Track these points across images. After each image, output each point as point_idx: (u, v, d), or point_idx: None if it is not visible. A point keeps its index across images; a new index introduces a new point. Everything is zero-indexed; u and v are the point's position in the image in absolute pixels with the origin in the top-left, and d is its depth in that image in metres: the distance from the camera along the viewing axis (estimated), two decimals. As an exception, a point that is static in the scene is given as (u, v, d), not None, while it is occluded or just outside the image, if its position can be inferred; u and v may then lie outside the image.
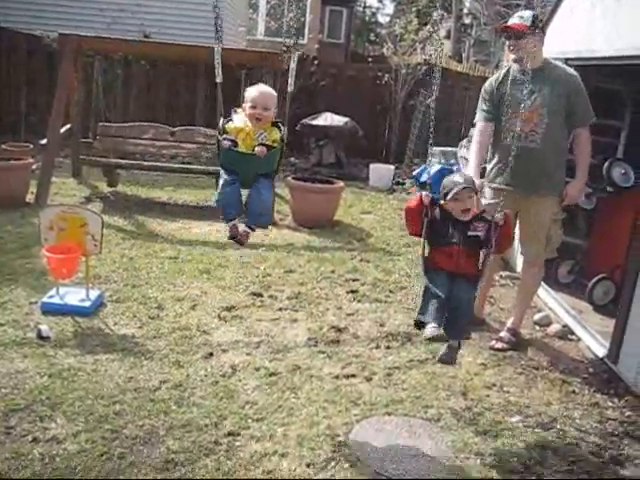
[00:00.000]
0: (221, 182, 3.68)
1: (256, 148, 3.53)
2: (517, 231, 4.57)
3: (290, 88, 3.92)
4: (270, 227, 4.16)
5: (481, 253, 3.37)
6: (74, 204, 6.44)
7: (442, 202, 3.40)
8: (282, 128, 3.72)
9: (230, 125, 3.65)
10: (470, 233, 3.35)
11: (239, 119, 3.65)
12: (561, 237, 4.56)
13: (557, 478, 3.11)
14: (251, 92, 3.66)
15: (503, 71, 4.57)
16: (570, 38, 5.49)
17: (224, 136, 3.61)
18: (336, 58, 17.09)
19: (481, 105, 4.61)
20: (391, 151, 12.12)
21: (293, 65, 3.91)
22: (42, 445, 3.00)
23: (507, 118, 4.35)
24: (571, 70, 4.55)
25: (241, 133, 3.61)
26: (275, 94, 3.73)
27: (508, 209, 4.37)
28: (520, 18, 4.30)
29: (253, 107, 3.58)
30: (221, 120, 3.70)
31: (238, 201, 3.66)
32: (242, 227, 3.65)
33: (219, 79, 3.83)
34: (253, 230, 3.70)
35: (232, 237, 3.71)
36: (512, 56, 4.42)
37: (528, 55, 4.27)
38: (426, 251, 3.43)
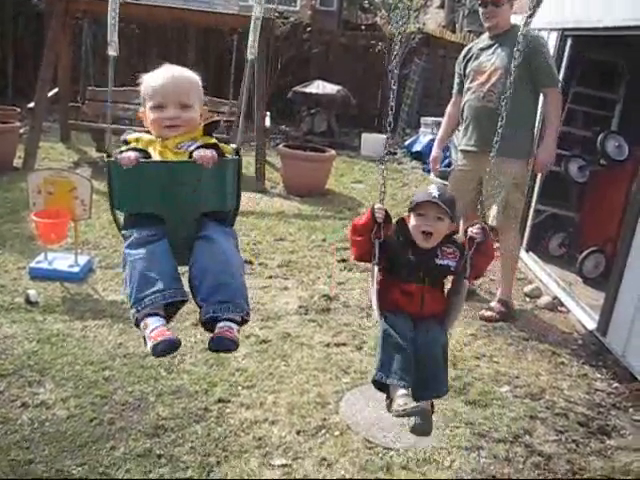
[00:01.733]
0: (127, 243, 2.06)
1: (196, 152, 1.98)
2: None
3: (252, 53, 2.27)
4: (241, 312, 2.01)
5: (452, 284, 2.65)
6: (62, 168, 6.36)
7: (405, 215, 2.61)
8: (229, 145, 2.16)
9: (130, 139, 2.15)
10: (438, 262, 2.57)
11: (142, 135, 2.16)
12: (522, 203, 4.56)
13: (545, 448, 3.13)
14: (152, 81, 2.14)
15: (474, 42, 4.71)
16: (568, 8, 5.43)
17: (121, 149, 2.08)
18: (328, 26, 16.84)
19: (455, 79, 4.74)
20: (383, 120, 12.05)
21: (259, 13, 2.21)
22: (31, 410, 2.99)
23: (470, 81, 4.48)
24: (535, 32, 4.61)
25: (153, 145, 2.08)
26: (197, 79, 2.18)
27: (475, 176, 4.43)
28: None
29: (159, 107, 2.08)
30: (115, 146, 2.16)
31: (170, 271, 1.96)
32: (221, 328, 1.96)
33: (113, 51, 2.31)
34: (231, 321, 1.97)
35: (159, 352, 1.83)
36: (487, 24, 4.44)
37: (503, 21, 4.37)
38: (379, 277, 2.59)
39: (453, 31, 18.40)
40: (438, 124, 9.61)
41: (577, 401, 3.61)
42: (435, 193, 2.53)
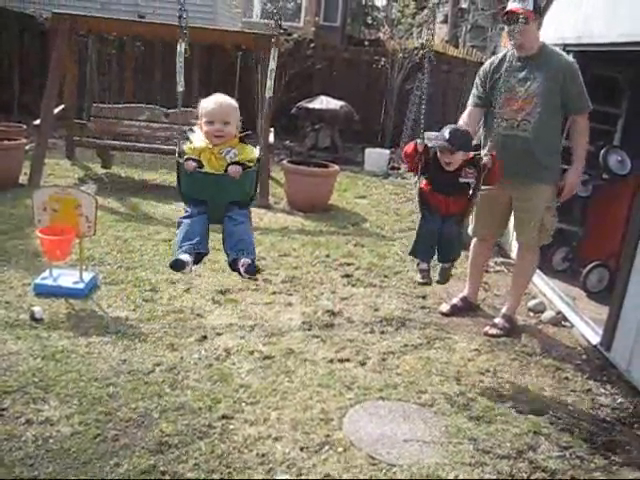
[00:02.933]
0: (183, 216, 3.12)
1: (229, 167, 3.02)
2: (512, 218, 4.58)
3: (269, 93, 3.29)
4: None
5: (470, 193, 3.77)
6: (68, 185, 6.40)
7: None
8: (256, 148, 3.18)
9: (189, 146, 3.10)
10: (461, 180, 3.71)
11: (198, 138, 3.11)
12: (555, 224, 4.52)
13: (549, 464, 3.12)
14: (206, 104, 3.10)
15: (500, 56, 4.49)
16: (569, 24, 5.46)
17: (186, 157, 3.05)
18: (332, 41, 16.95)
19: (474, 90, 4.57)
20: (386, 135, 12.08)
21: (273, 65, 3.23)
22: (35, 427, 2.99)
23: (500, 105, 4.31)
24: (568, 57, 4.50)
25: (204, 153, 3.07)
26: (236, 105, 3.15)
27: (501, 198, 4.41)
28: (522, 2, 4.15)
29: (210, 122, 3.04)
30: (180, 144, 3.15)
31: (203, 235, 3.06)
32: (242, 261, 2.97)
33: (181, 87, 3.20)
34: (248, 266, 2.97)
35: (174, 264, 2.94)
36: (513, 42, 4.26)
37: (529, 40, 4.23)
38: (423, 183, 3.81)
39: (456, 46, 18.48)
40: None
41: (581, 417, 3.60)
42: (447, 136, 3.61)
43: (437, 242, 3.82)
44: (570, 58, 4.50)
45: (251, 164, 3.11)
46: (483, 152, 3.85)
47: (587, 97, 4.30)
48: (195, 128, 3.13)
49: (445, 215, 3.78)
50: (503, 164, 3.83)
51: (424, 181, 3.82)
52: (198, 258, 3.07)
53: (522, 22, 4.09)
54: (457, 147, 3.64)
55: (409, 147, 3.78)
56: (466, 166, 3.69)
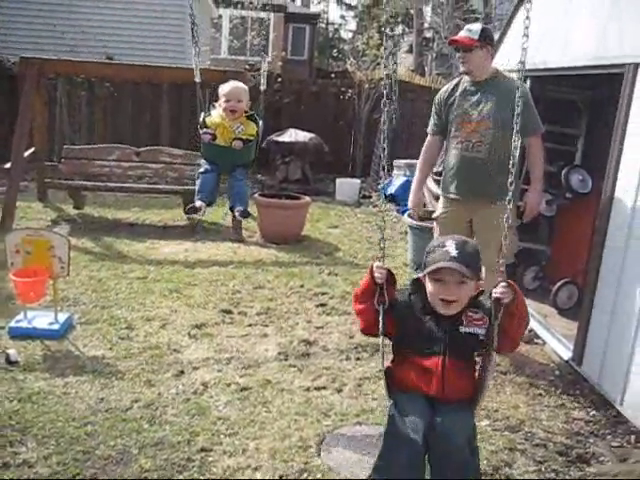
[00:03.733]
0: (201, 170, 4.40)
1: (233, 142, 4.22)
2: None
3: (263, 87, 4.86)
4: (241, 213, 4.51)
5: (480, 358, 2.28)
6: (40, 227, 6.40)
7: (420, 275, 2.32)
8: (258, 121, 4.40)
9: (209, 119, 4.23)
10: (463, 329, 2.23)
11: (216, 114, 4.27)
12: (516, 243, 4.63)
13: (525, 479, 3.17)
14: (224, 87, 4.27)
15: (454, 82, 4.66)
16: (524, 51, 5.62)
17: (204, 130, 4.21)
18: (300, 75, 17.19)
19: (432, 118, 4.71)
20: (357, 165, 12.24)
21: (265, 68, 4.88)
22: (13, 470, 2.98)
23: (455, 128, 4.46)
24: (519, 82, 4.66)
25: (219, 127, 4.23)
26: (246, 87, 4.40)
27: (463, 220, 4.48)
28: (469, 31, 4.38)
29: (227, 100, 4.21)
30: (202, 115, 4.28)
31: (213, 188, 4.36)
32: (237, 209, 4.47)
33: (198, 79, 4.39)
34: (241, 212, 4.48)
35: (190, 209, 4.36)
36: (462, 68, 4.51)
37: (477, 67, 4.40)
38: (389, 360, 2.40)
39: (422, 74, 18.81)
40: (410, 166, 9.83)
41: (556, 431, 3.67)
42: (454, 252, 2.17)
43: (427, 453, 2.15)
44: (523, 84, 4.66)
45: (252, 138, 4.30)
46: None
47: (539, 119, 4.46)
48: (216, 105, 4.26)
49: (439, 399, 2.19)
50: (523, 300, 2.40)
51: (391, 347, 2.33)
52: (209, 204, 4.38)
53: (466, 51, 4.35)
54: (474, 271, 2.27)
55: (359, 286, 2.33)
56: (469, 308, 2.28)
